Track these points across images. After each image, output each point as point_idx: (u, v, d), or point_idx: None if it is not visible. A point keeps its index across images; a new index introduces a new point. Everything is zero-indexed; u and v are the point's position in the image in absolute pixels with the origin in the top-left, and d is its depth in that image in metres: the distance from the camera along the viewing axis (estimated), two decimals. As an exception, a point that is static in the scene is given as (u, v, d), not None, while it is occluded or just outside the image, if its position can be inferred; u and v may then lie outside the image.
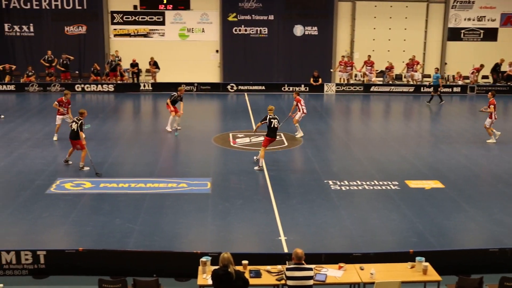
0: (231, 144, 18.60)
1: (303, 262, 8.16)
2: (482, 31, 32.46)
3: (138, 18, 31.15)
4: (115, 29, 31.20)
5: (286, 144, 18.78)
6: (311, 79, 29.73)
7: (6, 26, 30.73)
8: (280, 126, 16.24)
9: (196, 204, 13.20)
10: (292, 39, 31.67)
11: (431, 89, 27.67)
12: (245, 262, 8.71)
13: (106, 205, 13.05)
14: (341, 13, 31.59)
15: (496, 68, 31.07)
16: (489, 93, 19.95)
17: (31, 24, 30.91)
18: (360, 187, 14.42)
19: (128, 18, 31.14)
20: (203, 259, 8.64)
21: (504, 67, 31.12)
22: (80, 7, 30.70)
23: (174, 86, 28.55)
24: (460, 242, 11.57)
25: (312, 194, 13.86)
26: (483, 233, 11.93)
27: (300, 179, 15.04)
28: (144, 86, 29.29)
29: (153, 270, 9.74)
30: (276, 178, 15.04)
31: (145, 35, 31.32)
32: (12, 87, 28.75)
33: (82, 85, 28.99)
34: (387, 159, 17.25)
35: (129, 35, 31.31)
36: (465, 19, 32.23)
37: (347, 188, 14.35)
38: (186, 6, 30.92)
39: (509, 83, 30.62)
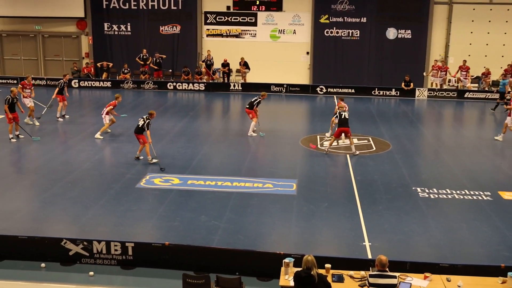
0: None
1: (387, 269, 7.98)
2: None
3: (231, 18, 31.59)
4: (207, 29, 31.81)
5: (375, 148, 18.45)
6: (403, 84, 29.07)
7: (105, 25, 32.05)
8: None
9: (281, 205, 13.22)
10: (385, 42, 31.08)
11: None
12: (328, 265, 8.62)
13: (193, 202, 13.32)
14: (436, 16, 30.66)
15: None
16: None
17: (129, 24, 32.04)
18: (449, 196, 13.94)
19: (221, 18, 31.64)
20: (286, 260, 8.63)
21: None
22: (175, 8, 31.52)
23: (263, 86, 28.87)
24: (557, 259, 10.94)
25: (399, 201, 13.54)
26: None
27: (387, 185, 14.73)
28: (234, 86, 29.68)
29: (236, 268, 9.83)
30: (362, 183, 14.82)
31: (236, 36, 31.73)
32: (108, 84, 29.97)
33: (174, 83, 29.75)
34: (480, 168, 16.57)
35: (221, 35, 31.82)
36: None
37: (436, 196, 13.91)
38: (279, 8, 31.04)
39: None
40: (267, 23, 31.40)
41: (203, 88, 29.56)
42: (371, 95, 29.08)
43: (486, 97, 28.72)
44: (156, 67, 30.32)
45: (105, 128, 19.38)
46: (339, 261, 9.19)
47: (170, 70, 31.51)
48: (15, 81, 30.43)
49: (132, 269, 10.21)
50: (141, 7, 31.65)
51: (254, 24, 31.48)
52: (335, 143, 18.55)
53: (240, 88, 29.58)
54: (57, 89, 22.32)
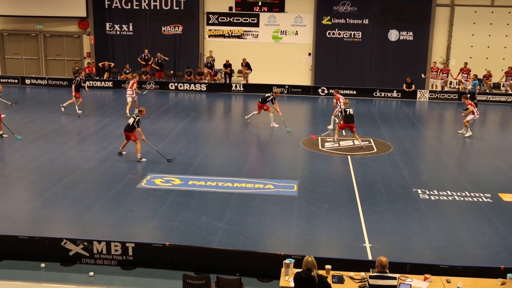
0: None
1: (387, 270, 7.99)
2: None
3: (233, 19, 31.60)
4: (210, 30, 31.82)
5: (375, 150, 18.45)
6: (404, 85, 29.07)
7: (107, 25, 32.06)
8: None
9: (282, 206, 13.23)
10: (386, 44, 31.07)
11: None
12: (328, 266, 8.63)
13: (193, 202, 13.32)
14: (438, 18, 30.66)
15: None
16: (462, 97, 21.41)
17: (131, 24, 32.06)
18: (450, 198, 13.94)
19: (223, 19, 31.66)
20: (287, 261, 8.63)
21: None
22: (177, 8, 31.54)
23: (265, 87, 28.86)
24: (558, 262, 10.93)
25: (399, 202, 13.54)
26: None
27: (388, 186, 14.74)
28: (236, 86, 29.70)
29: (237, 269, 9.83)
30: (363, 184, 14.82)
31: (239, 36, 31.75)
32: (110, 84, 29.99)
33: (176, 84, 29.76)
34: (480, 170, 16.57)
35: (223, 36, 31.84)
36: None
37: (437, 198, 13.90)
38: (281, 9, 31.05)
39: None
40: (269, 24, 31.41)
41: (205, 88, 29.58)
42: (372, 97, 29.09)
43: (487, 99, 28.71)
44: (158, 68, 30.33)
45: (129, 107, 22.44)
46: (340, 262, 9.20)
47: (172, 72, 31.52)
48: (16, 81, 30.45)
49: (133, 270, 10.22)
50: (143, 7, 31.67)
51: (256, 25, 31.49)
52: (336, 144, 18.55)
53: (241, 89, 29.60)
54: (73, 86, 23.06)
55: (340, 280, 8.42)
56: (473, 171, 16.44)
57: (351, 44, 31.23)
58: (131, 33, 32.11)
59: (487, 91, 29.60)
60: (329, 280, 8.21)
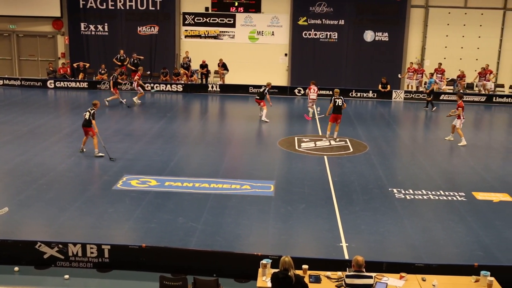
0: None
1: (363, 269, 8.04)
2: (561, 40, 31.12)
3: (209, 20, 31.55)
4: (186, 30, 31.72)
5: (352, 150, 18.56)
6: (380, 86, 29.31)
7: (82, 25, 31.76)
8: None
9: (258, 206, 13.24)
10: (362, 44, 31.30)
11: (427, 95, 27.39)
12: (305, 266, 8.66)
13: (170, 204, 13.27)
14: (413, 19, 30.98)
15: None
16: (456, 95, 20.65)
17: (106, 24, 31.80)
18: (425, 197, 14.09)
19: (200, 19, 31.58)
20: (264, 261, 8.64)
21: None
22: (153, 8, 31.38)
23: (242, 88, 28.97)
24: (530, 259, 11.12)
25: (375, 202, 13.64)
26: (555, 251, 11.43)
27: (364, 186, 14.84)
28: (212, 87, 29.64)
29: (214, 270, 9.82)
30: (340, 184, 14.90)
31: (215, 37, 31.70)
32: (85, 85, 29.71)
33: (152, 84, 29.60)
34: (455, 170, 16.78)
35: (199, 36, 31.76)
36: (544, 28, 31.01)
37: (412, 197, 14.04)
38: (257, 9, 31.09)
39: None
40: (246, 24, 31.43)
41: (181, 89, 29.47)
42: (348, 97, 29.24)
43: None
44: (133, 68, 30.12)
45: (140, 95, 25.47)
46: (316, 262, 9.23)
47: (149, 72, 31.35)
48: (-11, 82, 30.03)
49: (109, 272, 10.13)
50: (118, 7, 31.45)
51: (233, 25, 31.48)
52: (312, 144, 18.62)
53: (218, 89, 29.56)
54: (111, 82, 25.37)
55: (317, 279, 8.46)
56: (447, 170, 16.64)
57: (327, 45, 31.39)
58: (107, 33, 31.87)
59: (461, 91, 29.97)
60: (306, 280, 8.25)
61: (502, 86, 31.20)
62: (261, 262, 8.67)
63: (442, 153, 18.73)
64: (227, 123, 23.11)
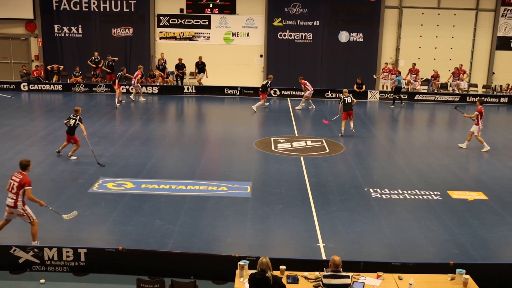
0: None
1: (341, 269, 8.09)
2: (532, 40, 31.69)
3: (184, 21, 31.47)
4: (161, 32, 31.60)
5: (328, 150, 18.66)
6: (355, 86, 29.50)
7: (56, 27, 31.45)
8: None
9: (235, 207, 13.24)
10: (337, 45, 31.50)
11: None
12: (282, 267, 8.68)
13: (146, 206, 13.20)
14: (387, 20, 31.28)
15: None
16: (477, 100, 19.98)
17: (80, 26, 31.54)
18: (401, 196, 14.22)
19: (174, 21, 31.49)
20: (241, 262, 8.64)
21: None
22: (127, 10, 31.21)
23: (217, 89, 28.95)
24: (503, 256, 11.28)
25: (352, 202, 13.73)
26: (528, 248, 11.62)
27: (340, 186, 14.93)
28: (188, 89, 29.56)
29: (191, 272, 9.80)
30: (316, 184, 14.97)
31: (190, 38, 31.63)
32: (59, 87, 29.41)
33: (127, 86, 29.40)
34: (430, 169, 16.96)
35: (174, 38, 31.66)
36: (515, 28, 31.54)
37: (388, 196, 14.17)
38: (232, 11, 31.10)
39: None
40: (221, 25, 31.42)
41: (157, 91, 29.34)
42: (324, 98, 29.41)
43: (436, 99, 29.45)
44: (108, 70, 29.92)
45: (136, 92, 27.23)
46: (294, 262, 9.26)
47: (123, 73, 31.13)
48: (-39, 85, 29.56)
49: (85, 276, 10.05)
50: (92, 9, 31.21)
51: (208, 27, 31.45)
52: (288, 145, 18.67)
53: (194, 91, 29.49)
54: (117, 80, 26.17)
55: (295, 280, 8.48)
56: (422, 170, 16.81)
57: (303, 46, 31.53)
58: (81, 35, 31.60)
59: (435, 91, 30.36)
60: (284, 280, 8.27)
61: (475, 85, 31.67)
62: (238, 263, 8.68)
63: (417, 152, 18.92)
64: (203, 124, 23.08)
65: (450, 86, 30.93)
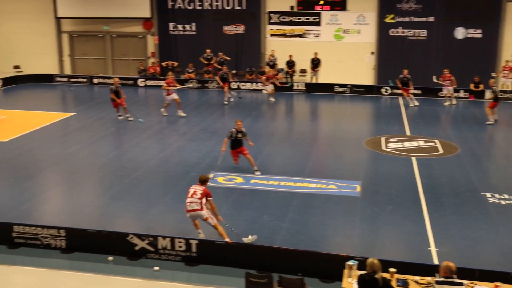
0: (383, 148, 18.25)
1: (455, 276, 7.77)
2: None
3: (294, 18, 31.51)
4: (271, 29, 31.84)
5: (441, 151, 18.00)
6: (471, 85, 28.19)
7: (171, 25, 32.56)
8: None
9: (344, 206, 13.11)
10: (453, 42, 30.26)
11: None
12: (392, 270, 8.46)
13: (256, 201, 13.37)
14: (509, 15, 29.62)
15: None
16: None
17: (193, 24, 32.43)
18: (521, 202, 13.45)
19: (285, 18, 31.61)
20: (350, 262, 8.52)
21: None
22: (239, 7, 31.70)
23: (327, 87, 28.74)
24: None
25: (467, 206, 13.16)
26: None
27: (454, 189, 14.35)
28: (298, 86, 29.60)
29: (299, 269, 9.81)
30: (428, 186, 14.48)
31: (300, 36, 31.62)
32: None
33: (238, 83, 29.91)
34: (554, 174, 15.91)
35: (284, 35, 31.80)
36: None
37: (507, 202, 13.42)
38: (343, 7, 30.75)
39: None
40: (331, 23, 31.15)
41: (266, 88, 29.56)
42: (438, 97, 28.37)
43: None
44: (219, 67, 30.56)
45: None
46: (404, 265, 9.01)
47: (234, 71, 31.71)
48: (85, 80, 31.36)
49: (196, 266, 10.34)
50: (205, 7, 31.98)
51: (318, 24, 31.28)
52: (400, 145, 18.22)
53: (304, 88, 29.46)
54: (218, 77, 26.13)
55: (405, 284, 8.25)
56: (545, 174, 15.82)
57: (416, 43, 30.58)
58: (194, 32, 32.49)
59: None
60: (393, 283, 8.07)
61: None
62: (346, 263, 8.56)
63: (539, 156, 17.84)
64: (312, 122, 23.02)
65: None
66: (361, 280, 7.78)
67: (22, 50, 34.00)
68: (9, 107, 24.79)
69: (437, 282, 7.77)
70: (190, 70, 30.98)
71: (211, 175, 15.12)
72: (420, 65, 30.36)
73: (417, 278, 8.39)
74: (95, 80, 31.34)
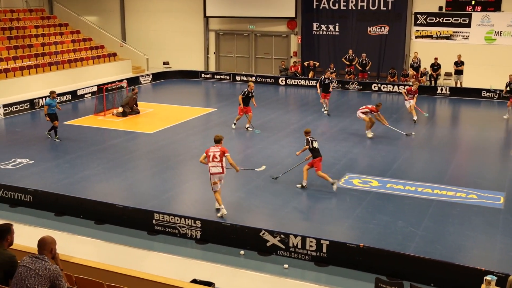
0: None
1: None
2: None
3: (442, 19, 30.33)
4: (417, 30, 30.90)
5: None
6: None
7: (314, 25, 32.72)
8: None
9: (485, 218, 12.46)
10: None
11: None
12: (535, 289, 7.90)
13: (390, 206, 13.10)
14: None
15: None
16: None
17: (337, 24, 32.33)
18: None
19: (432, 19, 30.53)
20: (488, 277, 8.07)
21: None
22: (384, 8, 31.10)
23: (474, 92, 27.40)
24: None
25: None
26: None
27: None
28: (442, 90, 28.50)
29: (431, 279, 9.51)
30: None
31: (447, 38, 30.39)
32: (314, 83, 30.53)
33: (379, 85, 29.42)
34: None
35: (430, 36, 30.71)
36: None
37: None
38: (496, 8, 29.07)
39: None
40: (483, 24, 29.58)
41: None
42: None
43: None
44: (360, 68, 30.25)
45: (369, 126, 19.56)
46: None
47: (375, 72, 31.23)
48: (228, 77, 32.48)
49: (326, 267, 10.34)
50: (350, 8, 31.75)
51: (468, 25, 29.85)
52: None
53: (448, 92, 28.32)
54: (318, 84, 23.60)
55: (549, 305, 7.66)
56: None
57: None
58: (337, 33, 32.38)
59: None
60: (537, 304, 7.53)
61: None
62: (485, 278, 8.11)
63: None
64: (455, 127, 22.05)
65: None
66: (499, 297, 7.37)
67: (172, 47, 35.93)
68: (156, 100, 26.32)
69: None
70: (331, 71, 30.95)
71: (346, 176, 15.04)
72: None
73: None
74: (237, 78, 32.34)
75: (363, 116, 19.48)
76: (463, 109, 26.16)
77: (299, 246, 10.56)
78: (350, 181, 14.74)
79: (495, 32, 29.32)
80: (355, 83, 29.69)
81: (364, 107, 19.75)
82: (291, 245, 10.62)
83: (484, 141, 19.62)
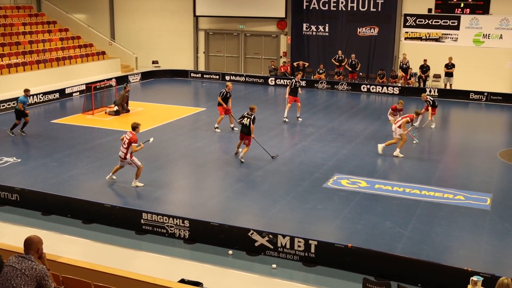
0: None
1: None
2: None
3: (432, 21, 30.49)
4: (406, 32, 31.04)
5: None
6: None
7: (304, 25, 32.76)
8: None
9: (472, 219, 12.54)
10: None
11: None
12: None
13: (378, 206, 13.15)
14: None
15: None
16: None
17: (327, 24, 32.40)
18: None
19: (421, 21, 30.68)
20: (474, 278, 8.12)
21: None
22: (374, 9, 31.19)
23: (461, 94, 27.57)
24: None
25: None
26: None
27: None
28: (430, 91, 28.63)
29: (417, 279, 9.56)
30: None
31: (436, 39, 30.56)
32: (303, 83, 30.54)
33: (368, 86, 29.52)
34: None
35: (419, 38, 30.87)
36: None
37: None
38: (485, 11, 29.27)
39: None
40: (471, 26, 29.76)
41: (397, 92, 28.93)
42: None
43: None
44: (350, 69, 30.34)
45: (392, 142, 17.26)
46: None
47: (364, 73, 31.34)
48: (217, 77, 32.46)
49: (314, 267, 10.37)
50: (340, 8, 31.83)
51: (457, 27, 30.02)
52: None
53: (436, 94, 28.46)
54: (288, 88, 22.18)
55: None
56: None
57: None
58: (327, 33, 32.45)
59: None
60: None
61: None
62: (471, 278, 8.16)
63: None
64: (443, 130, 22.16)
65: None
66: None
67: (161, 46, 35.83)
68: (146, 99, 26.25)
69: None
70: (321, 71, 31.02)
71: (335, 177, 15.08)
72: None
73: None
74: (227, 77, 32.31)
75: (400, 131, 17.08)
76: (451, 111, 26.30)
77: (288, 246, 10.58)
78: (339, 182, 14.78)
79: (484, 34, 29.52)
80: (345, 84, 29.76)
81: (400, 118, 17.58)
82: (279, 245, 10.64)
83: (473, 142, 19.75)
